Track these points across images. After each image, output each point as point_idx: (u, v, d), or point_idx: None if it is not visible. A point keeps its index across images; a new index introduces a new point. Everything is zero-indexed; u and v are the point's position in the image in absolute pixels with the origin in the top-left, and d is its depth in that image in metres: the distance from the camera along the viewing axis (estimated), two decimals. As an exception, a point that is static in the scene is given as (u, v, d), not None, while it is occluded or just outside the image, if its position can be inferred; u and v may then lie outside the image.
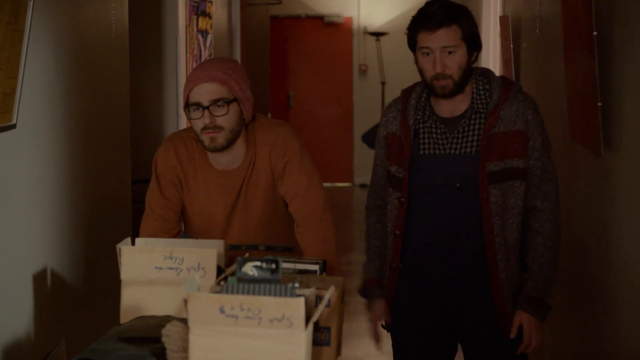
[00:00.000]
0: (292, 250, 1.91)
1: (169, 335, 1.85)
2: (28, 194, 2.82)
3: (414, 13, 2.77)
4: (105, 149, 3.66)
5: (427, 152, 2.78)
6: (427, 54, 2.67)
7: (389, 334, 2.94)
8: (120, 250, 2.23)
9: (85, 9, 3.37)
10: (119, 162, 3.91)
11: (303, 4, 11.38)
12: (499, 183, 2.71)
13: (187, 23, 5.55)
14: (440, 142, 2.77)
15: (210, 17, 6.17)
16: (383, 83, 11.27)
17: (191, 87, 2.74)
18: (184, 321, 1.84)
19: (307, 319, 1.69)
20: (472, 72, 2.76)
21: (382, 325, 2.93)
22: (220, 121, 2.73)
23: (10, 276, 2.69)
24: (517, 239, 2.76)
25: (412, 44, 2.74)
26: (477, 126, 2.75)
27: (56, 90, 3.04)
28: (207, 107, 2.73)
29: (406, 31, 2.76)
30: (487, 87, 2.77)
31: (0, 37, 2.40)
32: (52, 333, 2.97)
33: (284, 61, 11.51)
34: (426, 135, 2.80)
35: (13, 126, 2.60)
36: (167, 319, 2.09)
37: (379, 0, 11.25)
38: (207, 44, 6.11)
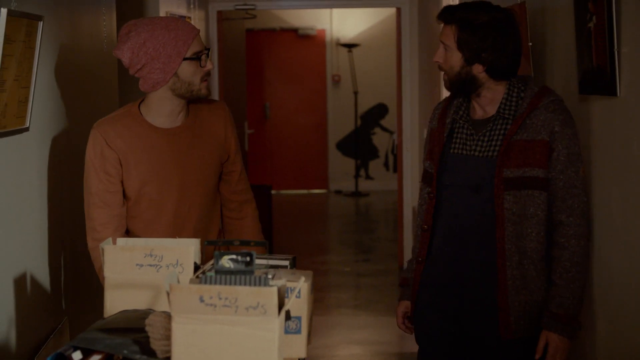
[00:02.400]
0: (265, 245, 1.99)
1: (153, 324, 1.91)
2: (38, 187, 2.99)
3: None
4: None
5: (456, 151, 2.76)
6: None
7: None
8: (103, 249, 2.28)
9: (81, 28, 3.57)
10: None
11: (277, 17, 11.32)
12: (515, 190, 2.63)
13: (169, 38, 5.77)
14: (468, 143, 2.74)
15: (189, 32, 6.35)
16: (355, 92, 11.32)
17: (193, 37, 2.74)
18: (165, 313, 1.95)
19: (280, 307, 1.75)
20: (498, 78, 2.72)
21: (408, 317, 2.93)
22: None
23: (26, 262, 2.87)
24: (538, 250, 2.65)
25: None
26: (501, 131, 2.68)
27: (59, 98, 3.21)
28: (208, 54, 2.81)
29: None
30: (522, 94, 2.70)
31: (17, 54, 2.64)
32: (56, 312, 3.14)
33: (260, 73, 11.48)
34: (458, 135, 2.77)
35: (27, 129, 2.81)
36: (149, 311, 2.15)
37: (351, 13, 11.16)
38: (187, 57, 6.26)
